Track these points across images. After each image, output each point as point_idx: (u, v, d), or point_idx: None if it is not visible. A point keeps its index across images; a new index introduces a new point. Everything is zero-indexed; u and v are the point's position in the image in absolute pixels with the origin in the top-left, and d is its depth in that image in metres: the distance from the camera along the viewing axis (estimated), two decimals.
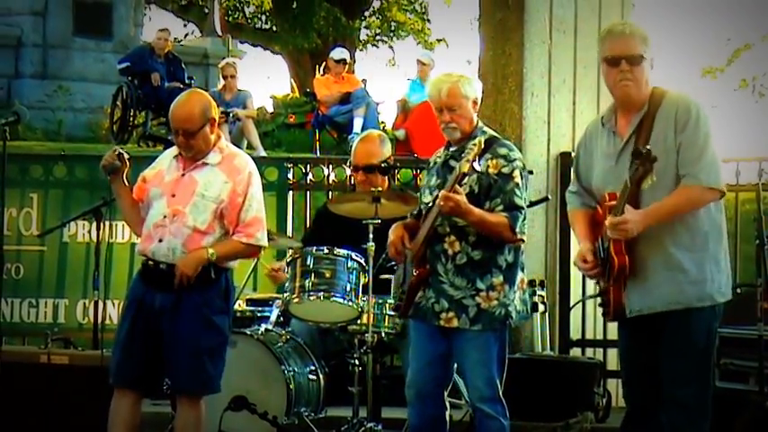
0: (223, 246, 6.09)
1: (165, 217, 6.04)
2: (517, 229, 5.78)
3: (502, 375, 5.87)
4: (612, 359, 8.49)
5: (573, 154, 8.51)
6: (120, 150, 6.18)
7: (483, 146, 5.64)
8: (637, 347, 5.23)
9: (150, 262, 6.08)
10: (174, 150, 6.26)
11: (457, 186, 5.61)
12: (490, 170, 5.79)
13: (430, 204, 5.86)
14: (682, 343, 5.04)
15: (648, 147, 4.84)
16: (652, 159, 4.80)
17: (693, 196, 4.99)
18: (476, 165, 5.57)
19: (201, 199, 6.06)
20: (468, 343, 5.82)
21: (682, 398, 5.03)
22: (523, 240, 5.88)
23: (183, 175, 6.12)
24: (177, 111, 6.10)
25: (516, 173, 5.83)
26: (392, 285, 6.35)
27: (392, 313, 6.60)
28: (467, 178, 5.66)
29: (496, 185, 5.79)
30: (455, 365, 6.04)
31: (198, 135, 6.05)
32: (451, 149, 5.96)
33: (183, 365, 6.01)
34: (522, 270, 5.95)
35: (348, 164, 7.81)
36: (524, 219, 5.84)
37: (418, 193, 6.31)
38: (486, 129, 6.01)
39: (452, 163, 5.81)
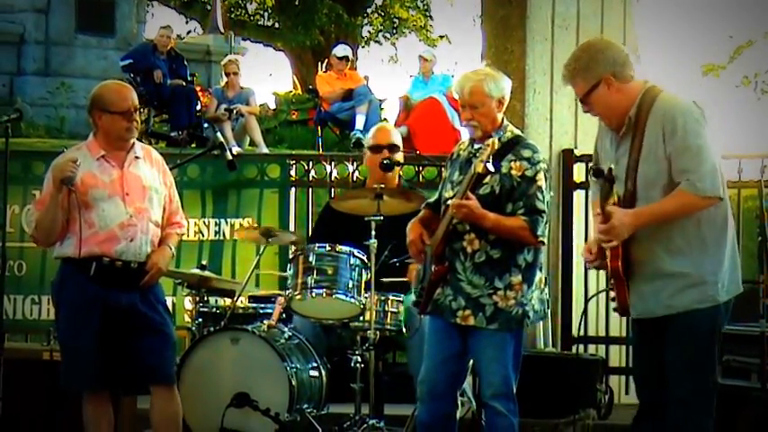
0: (172, 239, 6.27)
1: (131, 216, 6.06)
2: (539, 233, 5.76)
3: (517, 374, 5.87)
4: (615, 356, 8.50)
5: (575, 150, 8.58)
6: (77, 157, 6.03)
7: (496, 147, 5.62)
8: (646, 344, 5.24)
9: (118, 262, 6.05)
10: (83, 152, 6.13)
11: (469, 193, 5.60)
12: (513, 172, 5.77)
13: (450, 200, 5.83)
14: (684, 340, 5.05)
15: (612, 167, 4.98)
16: (610, 179, 4.94)
17: (688, 203, 4.97)
18: (489, 165, 5.52)
19: (155, 193, 6.17)
20: (484, 340, 5.81)
21: (681, 393, 5.04)
22: (544, 243, 5.86)
23: (123, 172, 6.12)
24: (122, 92, 6.33)
25: (540, 176, 5.80)
26: (413, 282, 6.36)
27: (394, 310, 6.62)
28: (488, 178, 5.65)
29: (519, 188, 5.77)
30: (469, 364, 6.04)
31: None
32: (475, 146, 5.93)
33: (164, 356, 6.15)
34: (541, 269, 5.94)
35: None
36: (546, 222, 5.82)
37: (420, 189, 6.30)
38: (511, 128, 5.97)
39: (473, 161, 5.79)
